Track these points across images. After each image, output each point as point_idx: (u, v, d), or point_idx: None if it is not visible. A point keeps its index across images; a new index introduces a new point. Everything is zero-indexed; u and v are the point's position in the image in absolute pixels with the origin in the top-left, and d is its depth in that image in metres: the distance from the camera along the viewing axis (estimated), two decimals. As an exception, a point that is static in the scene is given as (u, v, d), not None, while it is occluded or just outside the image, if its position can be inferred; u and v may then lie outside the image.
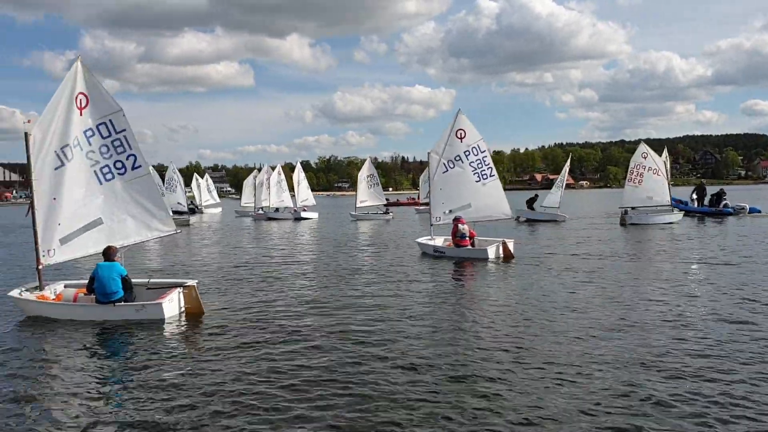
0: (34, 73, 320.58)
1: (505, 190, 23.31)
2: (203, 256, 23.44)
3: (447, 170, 22.10)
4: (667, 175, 35.25)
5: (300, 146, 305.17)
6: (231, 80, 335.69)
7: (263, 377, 8.19)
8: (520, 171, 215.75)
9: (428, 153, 23.06)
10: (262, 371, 8.43)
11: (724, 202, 39.93)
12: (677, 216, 34.70)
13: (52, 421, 6.93)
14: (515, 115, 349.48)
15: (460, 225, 20.54)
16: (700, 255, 19.67)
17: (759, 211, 39.11)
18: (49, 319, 11.74)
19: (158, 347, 9.92)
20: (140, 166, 13.02)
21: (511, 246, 20.02)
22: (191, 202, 64.12)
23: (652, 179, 34.94)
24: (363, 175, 48.21)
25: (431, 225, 22.41)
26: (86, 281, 12.16)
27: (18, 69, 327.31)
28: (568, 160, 41.41)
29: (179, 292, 12.05)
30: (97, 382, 8.27)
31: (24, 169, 13.88)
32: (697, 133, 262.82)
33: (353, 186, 49.34)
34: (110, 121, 12.79)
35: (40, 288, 12.60)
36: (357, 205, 47.27)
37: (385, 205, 49.86)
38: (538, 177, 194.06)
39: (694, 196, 41.49)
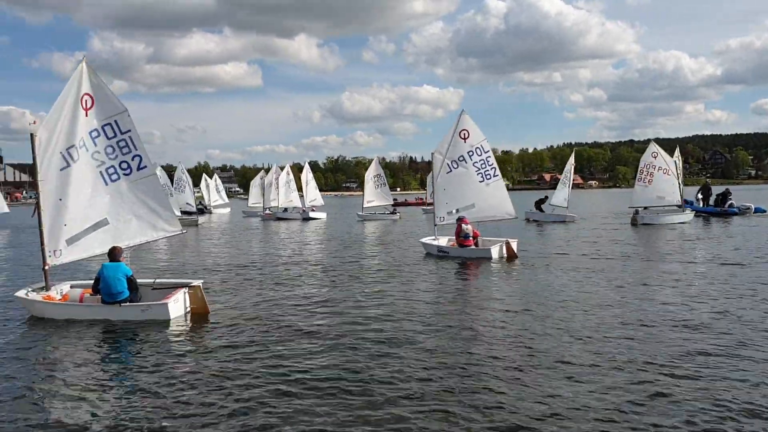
0: (43, 74, 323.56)
1: (513, 190, 23.44)
2: (211, 256, 23.47)
3: (451, 170, 22.16)
4: (677, 175, 35.02)
5: (308, 146, 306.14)
6: (239, 80, 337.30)
7: (268, 377, 8.18)
8: (528, 171, 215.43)
9: (432, 153, 23.13)
10: (267, 371, 8.42)
11: (729, 201, 39.89)
12: (688, 216, 34.54)
13: (58, 421, 6.93)
14: (523, 115, 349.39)
15: (463, 225, 20.60)
16: (712, 255, 19.57)
17: (764, 211, 38.96)
18: (55, 320, 11.77)
19: (164, 347, 9.93)
20: (145, 167, 13.04)
21: (514, 246, 20.07)
22: (200, 202, 64.30)
23: (662, 179, 34.75)
24: (370, 175, 48.17)
25: (435, 225, 22.50)
26: (92, 282, 12.19)
27: (27, 70, 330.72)
28: (572, 156, 41.26)
29: (185, 293, 12.06)
30: (103, 383, 8.27)
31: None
32: (707, 132, 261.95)
33: (361, 186, 49.18)
34: (115, 121, 12.82)
35: (47, 288, 12.65)
36: (364, 206, 47.25)
37: (392, 205, 49.84)
38: (547, 177, 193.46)
39: (700, 196, 41.31)
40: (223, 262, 21.23)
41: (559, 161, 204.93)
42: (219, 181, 77.74)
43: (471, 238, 20.56)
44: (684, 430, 6.34)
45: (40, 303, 12.17)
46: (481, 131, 22.22)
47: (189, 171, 58.70)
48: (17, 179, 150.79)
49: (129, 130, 12.89)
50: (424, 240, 22.60)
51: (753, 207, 39.40)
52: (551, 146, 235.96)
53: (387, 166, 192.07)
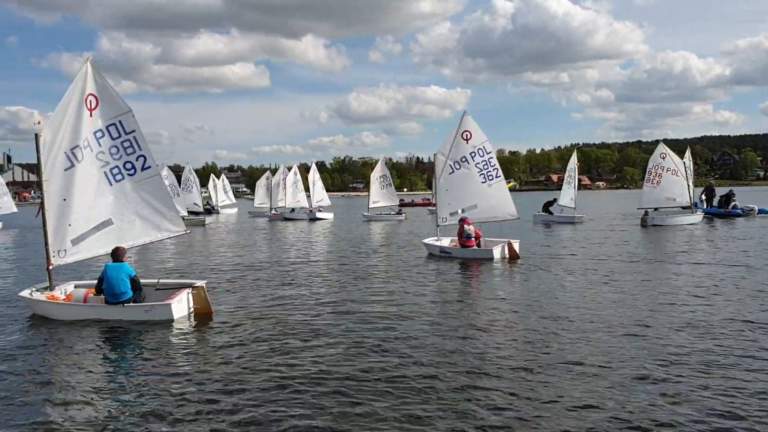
0: (52, 74, 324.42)
1: (520, 191, 23.47)
2: (217, 256, 23.48)
3: (453, 171, 22.23)
4: (686, 176, 34.84)
5: (315, 147, 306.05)
6: (247, 81, 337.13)
7: (271, 377, 8.14)
8: (535, 171, 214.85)
9: (434, 155, 23.15)
10: (270, 371, 8.39)
11: (733, 203, 39.84)
12: (698, 217, 34.43)
13: (62, 421, 6.92)
14: (531, 116, 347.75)
15: (466, 226, 20.66)
16: (721, 257, 19.41)
17: None
18: (59, 320, 11.78)
19: (167, 348, 9.93)
20: (150, 167, 13.03)
21: (516, 246, 20.13)
22: (207, 202, 64.48)
23: (670, 180, 34.59)
24: (376, 175, 48.17)
25: (437, 226, 22.58)
26: (96, 281, 12.18)
27: (36, 70, 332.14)
28: (574, 154, 41.22)
29: (188, 293, 12.04)
30: (106, 382, 8.27)
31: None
32: (715, 133, 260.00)
33: (368, 186, 49.18)
34: (120, 122, 12.82)
35: (51, 288, 12.66)
36: (370, 206, 47.26)
37: (399, 206, 49.79)
38: (554, 178, 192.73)
39: (703, 197, 41.23)
40: (229, 262, 21.23)
41: (567, 162, 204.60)
42: (226, 181, 77.93)
43: (473, 239, 20.63)
44: (691, 429, 6.29)
45: (44, 303, 12.19)
46: (483, 132, 22.28)
47: (197, 171, 58.87)
48: (26, 179, 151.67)
49: (133, 131, 12.89)
50: (426, 240, 22.66)
51: (757, 208, 39.37)
52: (559, 147, 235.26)
53: (394, 167, 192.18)
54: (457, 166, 22.12)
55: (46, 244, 12.59)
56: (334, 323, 11.21)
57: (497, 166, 22.37)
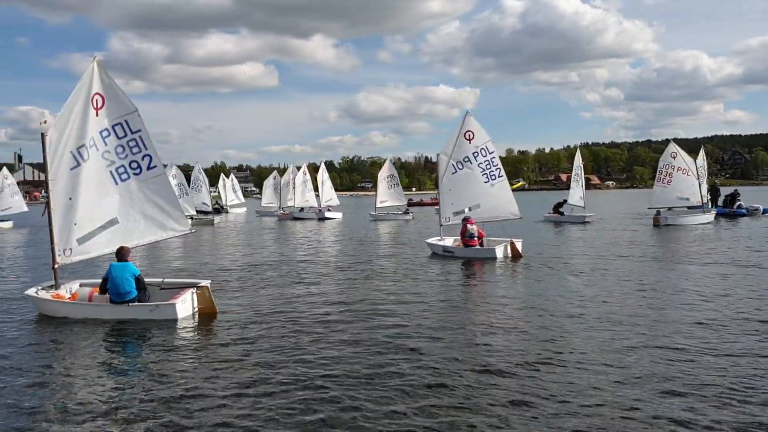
0: (62, 74, 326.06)
1: (529, 190, 23.40)
2: (225, 255, 23.52)
3: (456, 171, 22.29)
4: (698, 175, 34.60)
5: (324, 146, 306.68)
6: (256, 81, 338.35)
7: (276, 377, 8.11)
8: (545, 171, 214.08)
9: (437, 155, 23.23)
10: (274, 371, 8.35)
11: (738, 202, 39.76)
12: (710, 216, 34.31)
13: (66, 420, 6.90)
14: (540, 115, 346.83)
15: (469, 225, 20.72)
16: (733, 257, 19.20)
17: None
18: (64, 318, 11.80)
19: (171, 348, 9.89)
20: (155, 167, 13.03)
21: (519, 246, 20.18)
22: (216, 202, 64.65)
23: (681, 179, 34.36)
24: (383, 175, 48.12)
25: (441, 225, 22.65)
26: (101, 280, 12.18)
27: (47, 70, 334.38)
28: (578, 152, 41.15)
29: (192, 293, 12.02)
30: (109, 382, 8.26)
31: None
32: (726, 132, 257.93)
33: (376, 186, 49.16)
34: (126, 121, 12.84)
35: (56, 287, 12.70)
36: (377, 206, 47.22)
37: (407, 205, 49.70)
38: (563, 177, 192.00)
39: (708, 197, 40.93)
40: (237, 261, 21.25)
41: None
42: (235, 180, 78.15)
43: (476, 238, 20.71)
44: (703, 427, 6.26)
45: (49, 301, 12.22)
46: (485, 132, 22.33)
47: (206, 171, 58.93)
48: (36, 178, 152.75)
49: (139, 130, 12.90)
50: (429, 240, 22.74)
51: (762, 208, 39.25)
52: (568, 146, 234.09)
53: (402, 166, 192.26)
54: (460, 166, 22.19)
55: (52, 243, 12.64)
56: (339, 323, 11.16)
57: (500, 165, 22.44)
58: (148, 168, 12.96)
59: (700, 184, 34.47)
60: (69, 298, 12.56)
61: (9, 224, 43.18)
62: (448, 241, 21.94)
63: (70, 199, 12.58)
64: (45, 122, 12.63)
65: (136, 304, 11.71)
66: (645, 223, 34.24)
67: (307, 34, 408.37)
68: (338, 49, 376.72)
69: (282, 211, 52.26)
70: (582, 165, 39.68)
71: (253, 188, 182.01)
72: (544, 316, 11.37)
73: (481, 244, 20.75)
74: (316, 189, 52.92)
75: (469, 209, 21.96)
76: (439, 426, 6.46)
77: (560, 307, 12.07)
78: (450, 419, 6.63)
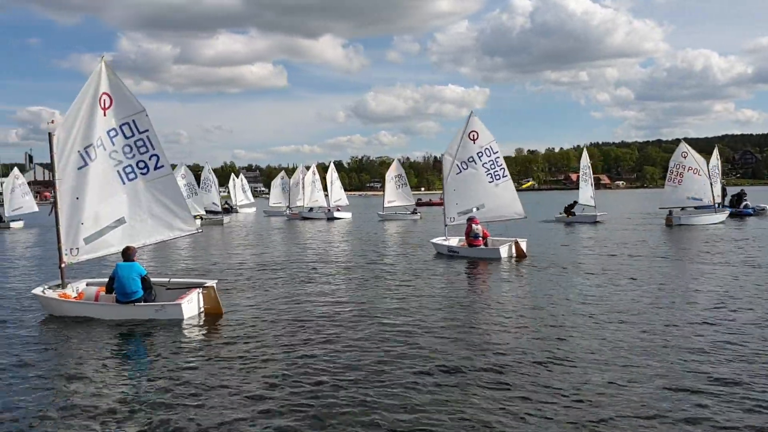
0: (73, 75, 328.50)
1: (539, 190, 23.32)
2: (234, 255, 23.53)
3: (460, 171, 22.35)
4: (709, 175, 34.41)
5: (332, 146, 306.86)
6: (265, 81, 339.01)
7: (280, 376, 8.09)
8: (554, 171, 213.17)
9: (442, 155, 23.27)
10: (278, 372, 8.32)
11: (744, 202, 39.95)
12: (723, 216, 34.22)
13: (71, 418, 6.90)
14: (550, 114, 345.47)
15: (473, 225, 20.80)
16: (745, 257, 19.05)
17: None
18: (70, 317, 11.82)
19: (176, 347, 9.88)
20: (163, 166, 13.03)
21: (523, 245, 20.23)
22: (226, 202, 64.83)
23: (692, 179, 34.19)
24: (391, 175, 48.08)
25: (445, 225, 22.68)
26: (108, 279, 12.17)
27: (57, 71, 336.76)
28: (584, 151, 41.10)
29: (198, 293, 11.99)
30: (115, 381, 8.25)
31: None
32: (737, 132, 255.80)
33: (384, 186, 49.13)
34: (133, 121, 12.83)
35: (63, 286, 12.71)
36: (385, 205, 47.18)
37: (415, 205, 49.60)
38: (573, 177, 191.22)
39: (721, 197, 40.84)
40: (246, 261, 21.25)
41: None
42: (245, 180, 78.36)
43: (480, 238, 20.76)
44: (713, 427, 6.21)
45: (56, 301, 12.23)
46: (490, 132, 22.37)
47: (215, 171, 59.14)
48: (47, 178, 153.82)
49: (147, 130, 12.89)
50: (434, 240, 22.79)
51: None
52: (578, 146, 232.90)
53: (411, 166, 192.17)
54: (465, 166, 22.25)
55: (59, 242, 12.66)
56: (344, 323, 11.12)
57: (504, 165, 22.51)
58: (156, 168, 12.95)
59: (712, 184, 34.26)
60: (75, 297, 12.58)
61: (20, 224, 43.49)
62: (453, 241, 22.00)
63: (77, 198, 12.60)
64: (52, 122, 12.65)
65: (142, 304, 11.70)
66: (657, 223, 34.03)
67: (315, 34, 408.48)
68: (347, 49, 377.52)
69: (291, 211, 52.28)
70: (590, 164, 39.60)
71: (263, 188, 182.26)
72: (550, 315, 11.32)
73: (485, 244, 20.82)
74: (325, 189, 52.96)
75: (477, 209, 21.97)
76: (453, 421, 6.48)
77: (566, 307, 12.00)
78: (464, 415, 6.64)
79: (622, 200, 78.64)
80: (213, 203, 49.79)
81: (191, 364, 8.86)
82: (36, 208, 46.57)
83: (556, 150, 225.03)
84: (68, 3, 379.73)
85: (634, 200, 78.08)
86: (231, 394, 7.52)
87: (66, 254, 12.67)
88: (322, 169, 60.19)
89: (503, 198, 22.13)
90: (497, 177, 22.10)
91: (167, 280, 13.13)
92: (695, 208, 34.45)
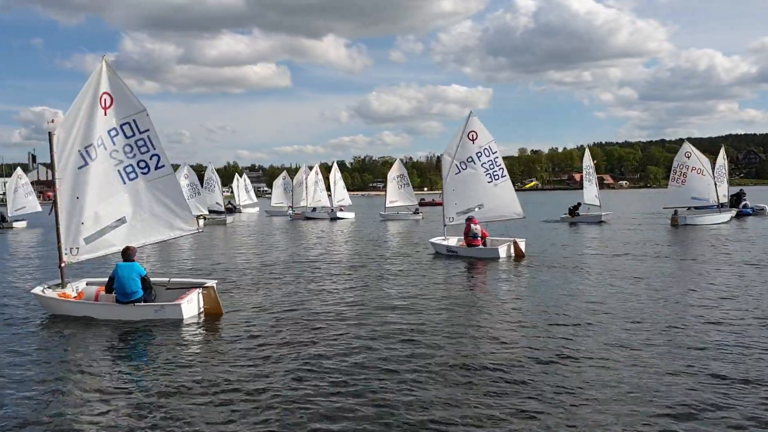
0: (76, 75, 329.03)
1: (543, 190, 23.27)
2: (237, 255, 23.53)
3: (459, 171, 22.38)
4: (713, 175, 34.39)
5: (336, 146, 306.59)
6: (268, 81, 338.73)
7: (279, 378, 8.05)
8: (558, 170, 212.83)
9: (441, 155, 23.32)
10: (277, 372, 8.29)
11: (743, 202, 40.07)
12: (728, 215, 34.22)
13: (70, 419, 6.88)
14: (553, 114, 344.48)
15: (472, 225, 20.84)
16: (749, 256, 18.97)
17: None
18: (70, 317, 11.79)
19: (176, 347, 9.84)
20: (163, 166, 13.00)
21: (522, 245, 20.26)
22: (229, 202, 64.87)
23: (695, 179, 34.16)
24: (393, 175, 48.07)
25: (444, 225, 22.68)
26: (107, 279, 12.13)
27: (61, 71, 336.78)
28: (587, 151, 41.20)
29: (198, 293, 11.94)
30: (114, 382, 8.21)
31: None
32: (741, 132, 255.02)
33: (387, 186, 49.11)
34: (134, 121, 12.81)
35: (62, 285, 12.69)
36: (387, 205, 47.16)
37: (418, 205, 49.53)
38: (577, 177, 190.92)
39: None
40: (249, 261, 21.23)
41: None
42: (248, 180, 78.46)
43: (479, 238, 20.77)
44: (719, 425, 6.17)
45: (55, 300, 12.21)
46: (489, 132, 22.37)
47: (218, 171, 59.30)
48: (50, 178, 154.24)
49: (147, 130, 12.87)
50: (433, 240, 22.80)
51: (767, 208, 39.53)
52: (581, 146, 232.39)
53: (414, 166, 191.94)
54: (464, 166, 22.28)
55: (59, 241, 12.63)
56: (344, 322, 11.08)
57: (503, 165, 22.54)
58: (156, 167, 12.92)
59: (716, 184, 34.19)
60: (75, 297, 12.55)
61: (23, 224, 43.58)
62: (452, 241, 22.02)
63: (78, 198, 12.58)
64: (52, 121, 12.63)
65: (141, 304, 11.65)
66: (662, 223, 33.95)
67: (319, 35, 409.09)
68: (350, 49, 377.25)
69: (294, 211, 52.28)
70: (593, 164, 39.58)
71: (266, 188, 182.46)
72: (553, 314, 11.31)
73: (484, 244, 20.83)
74: (328, 189, 52.95)
75: (479, 208, 21.99)
76: (459, 417, 6.50)
77: (566, 307, 11.97)
78: (470, 412, 6.67)
79: (626, 200, 78.46)
80: (216, 203, 49.83)
81: (191, 365, 8.83)
82: (39, 208, 46.60)
83: (560, 150, 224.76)
84: (71, 3, 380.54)
85: (637, 200, 77.93)
86: (231, 394, 7.48)
87: (66, 254, 12.64)
88: (325, 169, 60.12)
89: (502, 198, 22.16)
90: (496, 177, 22.13)
91: (167, 280, 13.10)
92: (696, 208, 34.45)
